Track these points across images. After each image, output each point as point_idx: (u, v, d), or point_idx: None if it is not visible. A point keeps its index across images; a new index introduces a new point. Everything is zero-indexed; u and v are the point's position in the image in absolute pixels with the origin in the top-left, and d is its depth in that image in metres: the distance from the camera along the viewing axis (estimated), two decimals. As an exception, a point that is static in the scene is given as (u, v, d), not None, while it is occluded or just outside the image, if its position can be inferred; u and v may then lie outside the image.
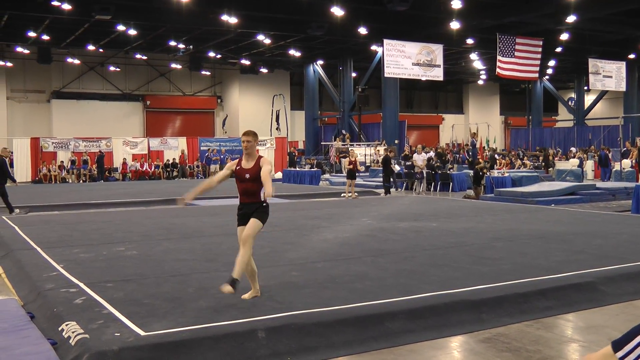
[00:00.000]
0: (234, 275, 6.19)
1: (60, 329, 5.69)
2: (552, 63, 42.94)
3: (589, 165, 32.14)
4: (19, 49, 38.47)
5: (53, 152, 33.93)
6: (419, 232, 11.77)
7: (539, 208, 16.55)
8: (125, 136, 37.71)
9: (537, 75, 34.57)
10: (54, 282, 7.57)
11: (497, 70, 31.62)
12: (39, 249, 9.98)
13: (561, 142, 44.93)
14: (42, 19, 29.84)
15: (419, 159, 24.25)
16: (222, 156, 36.11)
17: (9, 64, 40.82)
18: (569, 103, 52.06)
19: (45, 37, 33.95)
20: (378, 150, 34.83)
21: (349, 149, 30.04)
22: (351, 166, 20.95)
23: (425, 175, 23.82)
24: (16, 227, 12.69)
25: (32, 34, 33.11)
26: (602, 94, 46.89)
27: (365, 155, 34.90)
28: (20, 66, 41.92)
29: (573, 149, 38.58)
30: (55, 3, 25.91)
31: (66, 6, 25.98)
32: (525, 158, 33.80)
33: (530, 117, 50.60)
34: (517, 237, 10.97)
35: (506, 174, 23.73)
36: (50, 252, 9.67)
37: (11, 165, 36.05)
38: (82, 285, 7.32)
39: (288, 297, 6.66)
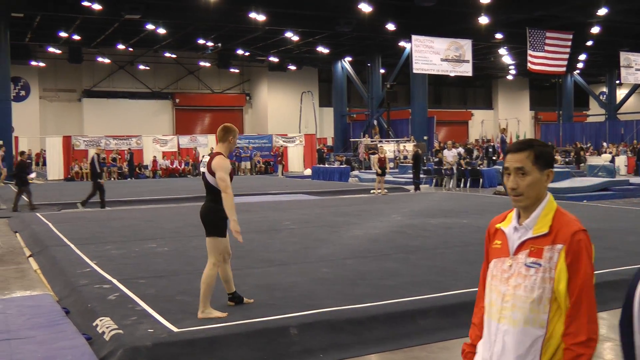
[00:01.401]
0: (235, 290, 6.34)
1: (94, 324, 5.77)
2: (582, 57, 42.30)
3: (622, 160, 31.63)
4: (51, 49, 39.08)
5: (84, 150, 34.31)
6: (449, 228, 11.69)
7: (571, 204, 16.29)
8: (155, 134, 38.05)
9: (564, 69, 34.10)
10: (88, 278, 7.68)
11: (528, 65, 31.30)
12: (72, 246, 10.12)
13: (592, 137, 44.27)
14: (73, 19, 30.27)
15: (449, 155, 24.08)
16: (250, 152, 36.30)
17: (41, 64, 41.47)
18: (600, 97, 51.27)
19: (76, 37, 34.45)
20: (405, 147, 34.65)
21: (378, 145, 29.92)
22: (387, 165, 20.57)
23: (455, 171, 23.65)
24: (50, 224, 12.88)
25: (63, 34, 33.61)
26: (635, 88, 46.14)
27: (394, 151, 34.75)
28: (52, 66, 42.55)
29: (605, 144, 38.02)
30: (85, 3, 26.23)
31: (96, 6, 26.31)
32: (557, 154, 33.35)
33: (560, 112, 49.96)
34: (549, 233, 10.81)
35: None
36: (83, 248, 9.79)
37: (42, 163, 36.81)
38: (115, 281, 7.40)
39: (319, 294, 6.66)
